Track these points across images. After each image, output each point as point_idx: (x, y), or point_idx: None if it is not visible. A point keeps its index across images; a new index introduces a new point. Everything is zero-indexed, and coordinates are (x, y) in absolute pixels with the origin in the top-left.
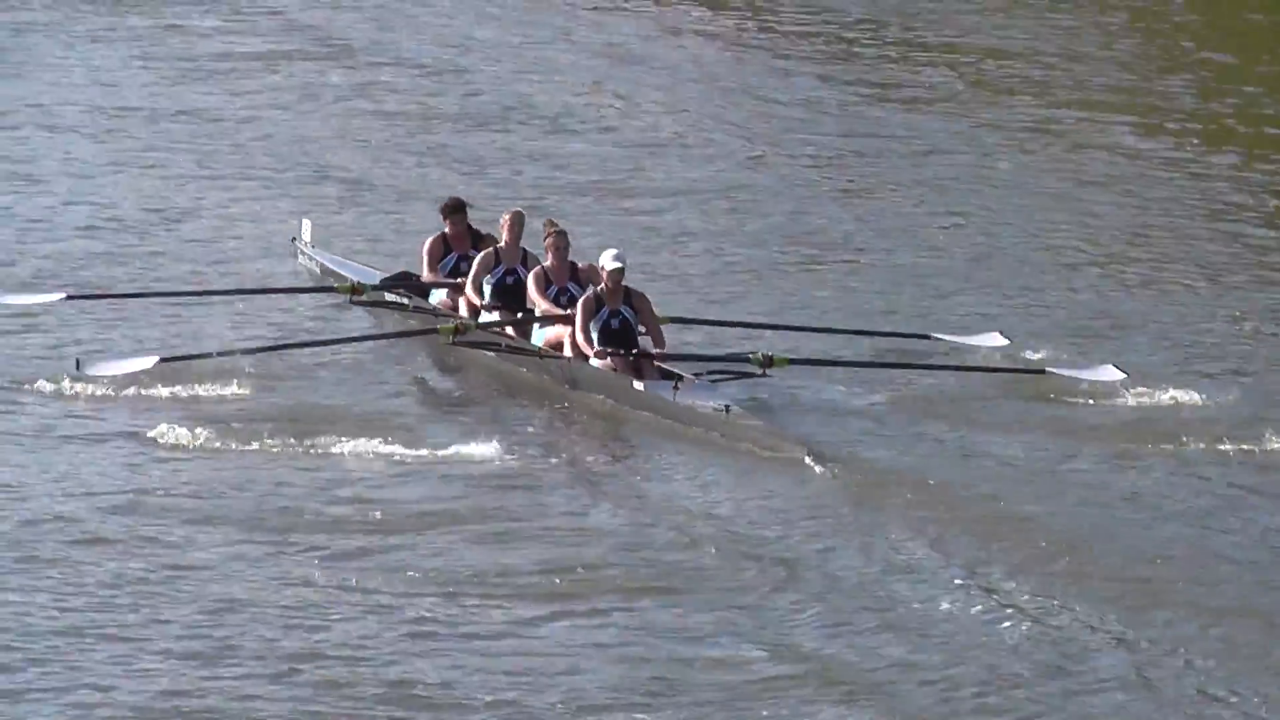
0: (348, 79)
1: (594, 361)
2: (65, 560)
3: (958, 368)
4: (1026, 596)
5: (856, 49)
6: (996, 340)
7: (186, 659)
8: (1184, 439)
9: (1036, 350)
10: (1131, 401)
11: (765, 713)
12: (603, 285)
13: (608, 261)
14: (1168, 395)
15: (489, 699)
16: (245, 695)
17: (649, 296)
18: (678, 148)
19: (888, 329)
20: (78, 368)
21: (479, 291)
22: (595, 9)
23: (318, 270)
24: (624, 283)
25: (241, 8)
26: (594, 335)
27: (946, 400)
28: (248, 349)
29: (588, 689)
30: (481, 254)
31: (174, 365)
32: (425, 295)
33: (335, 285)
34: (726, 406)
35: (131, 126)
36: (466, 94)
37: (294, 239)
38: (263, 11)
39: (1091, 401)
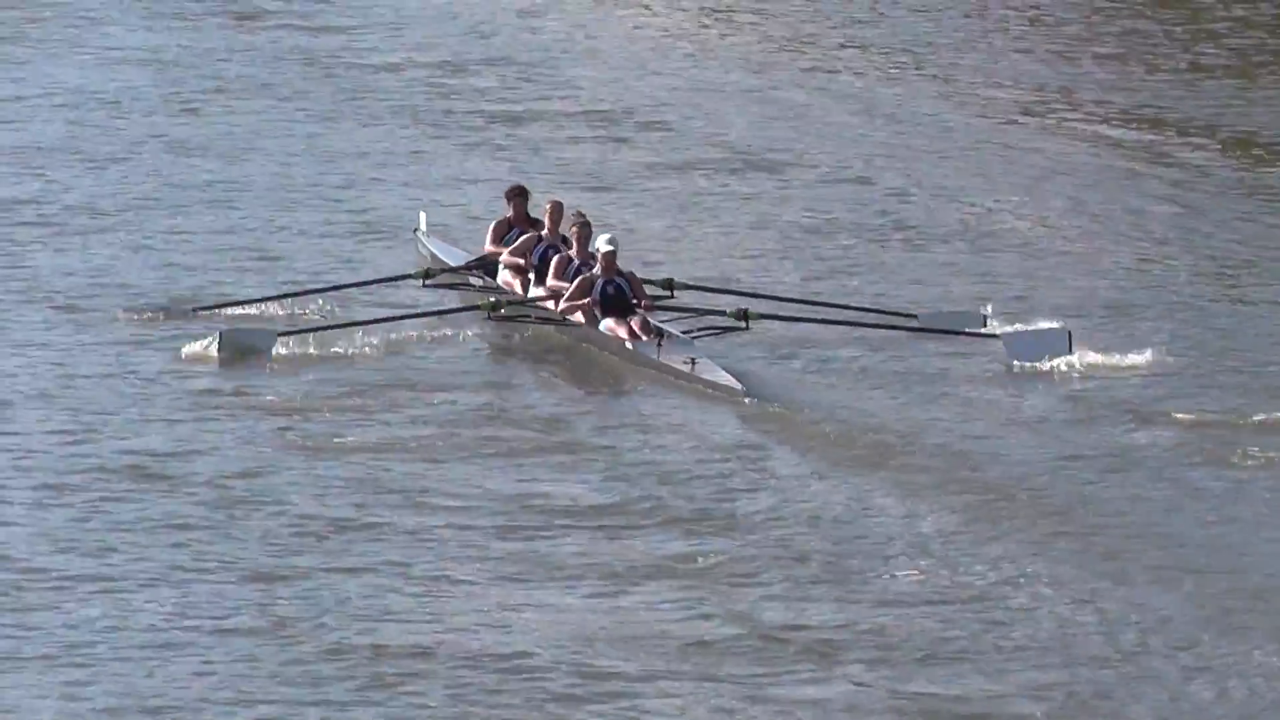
0: (747, 185)
1: (602, 326)
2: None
3: (900, 328)
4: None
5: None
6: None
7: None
8: (1132, 412)
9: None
10: (1081, 367)
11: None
12: (599, 264)
13: (602, 244)
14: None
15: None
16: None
17: None
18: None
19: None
20: (220, 343)
21: (524, 258)
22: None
23: (429, 256)
24: (616, 263)
25: (684, 127)
26: (597, 305)
27: (908, 358)
28: (346, 323)
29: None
30: (525, 235)
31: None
32: (495, 275)
33: (413, 273)
34: (692, 359)
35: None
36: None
37: (415, 229)
38: (704, 131)
39: (1044, 369)
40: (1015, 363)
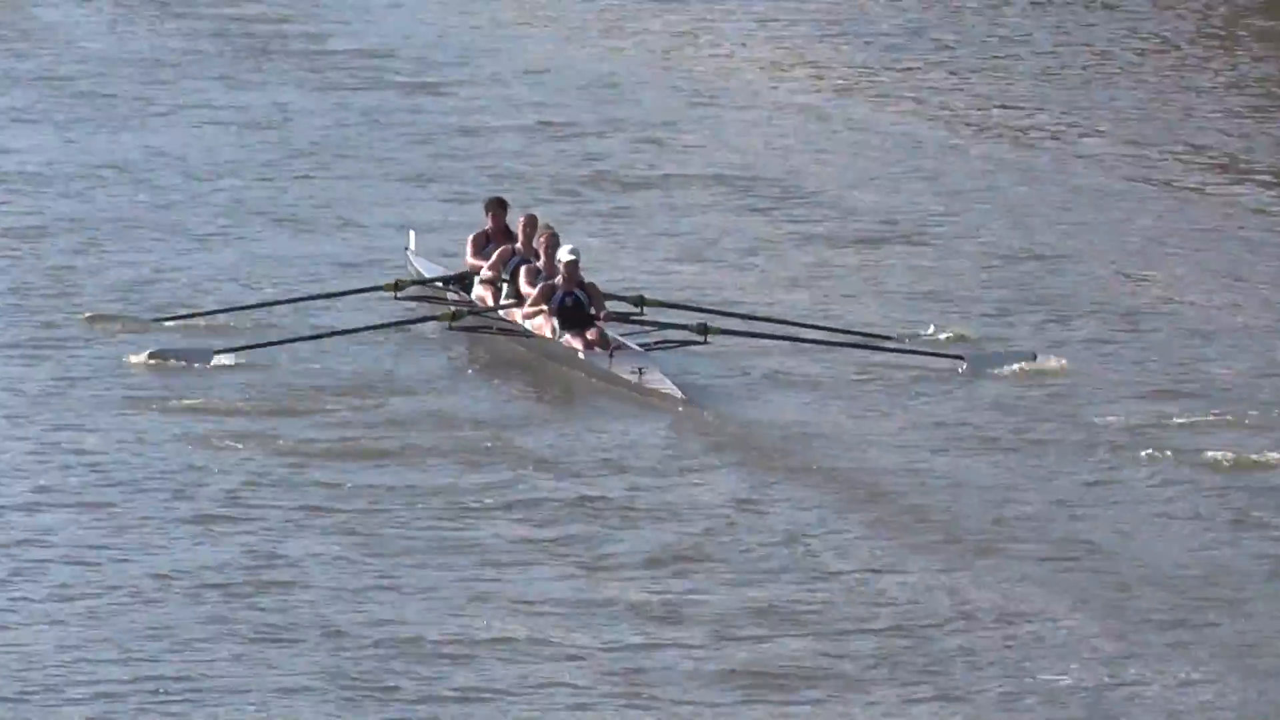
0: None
1: (551, 333)
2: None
3: (866, 346)
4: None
5: None
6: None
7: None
8: (1090, 424)
9: None
10: (1050, 385)
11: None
12: (560, 275)
13: (563, 254)
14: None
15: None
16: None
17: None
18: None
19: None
20: (150, 356)
21: (496, 272)
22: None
23: (415, 274)
24: (577, 273)
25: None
26: (555, 315)
27: (869, 377)
28: (287, 339)
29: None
30: (500, 249)
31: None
32: (470, 289)
33: (381, 285)
34: (640, 369)
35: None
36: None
37: (406, 248)
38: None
39: (1012, 387)
40: (976, 371)
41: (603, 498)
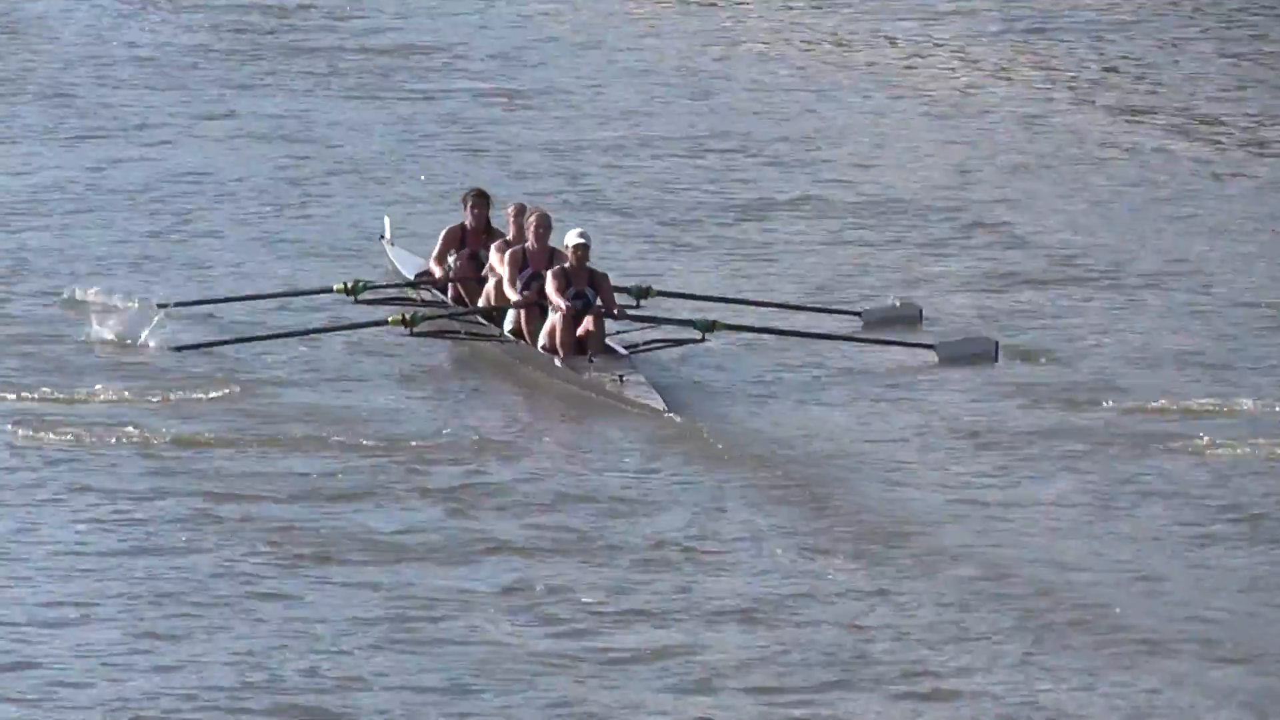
0: None
1: (554, 313)
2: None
3: (855, 339)
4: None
5: None
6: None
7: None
8: (1072, 417)
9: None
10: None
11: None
12: (570, 261)
13: (572, 238)
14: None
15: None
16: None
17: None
18: None
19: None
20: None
21: (514, 288)
22: None
23: (392, 269)
24: (588, 262)
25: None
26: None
27: (857, 371)
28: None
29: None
30: (510, 253)
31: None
32: (444, 289)
33: (335, 287)
34: (621, 376)
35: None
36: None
37: (381, 237)
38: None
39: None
40: (944, 365)
41: (559, 528)
